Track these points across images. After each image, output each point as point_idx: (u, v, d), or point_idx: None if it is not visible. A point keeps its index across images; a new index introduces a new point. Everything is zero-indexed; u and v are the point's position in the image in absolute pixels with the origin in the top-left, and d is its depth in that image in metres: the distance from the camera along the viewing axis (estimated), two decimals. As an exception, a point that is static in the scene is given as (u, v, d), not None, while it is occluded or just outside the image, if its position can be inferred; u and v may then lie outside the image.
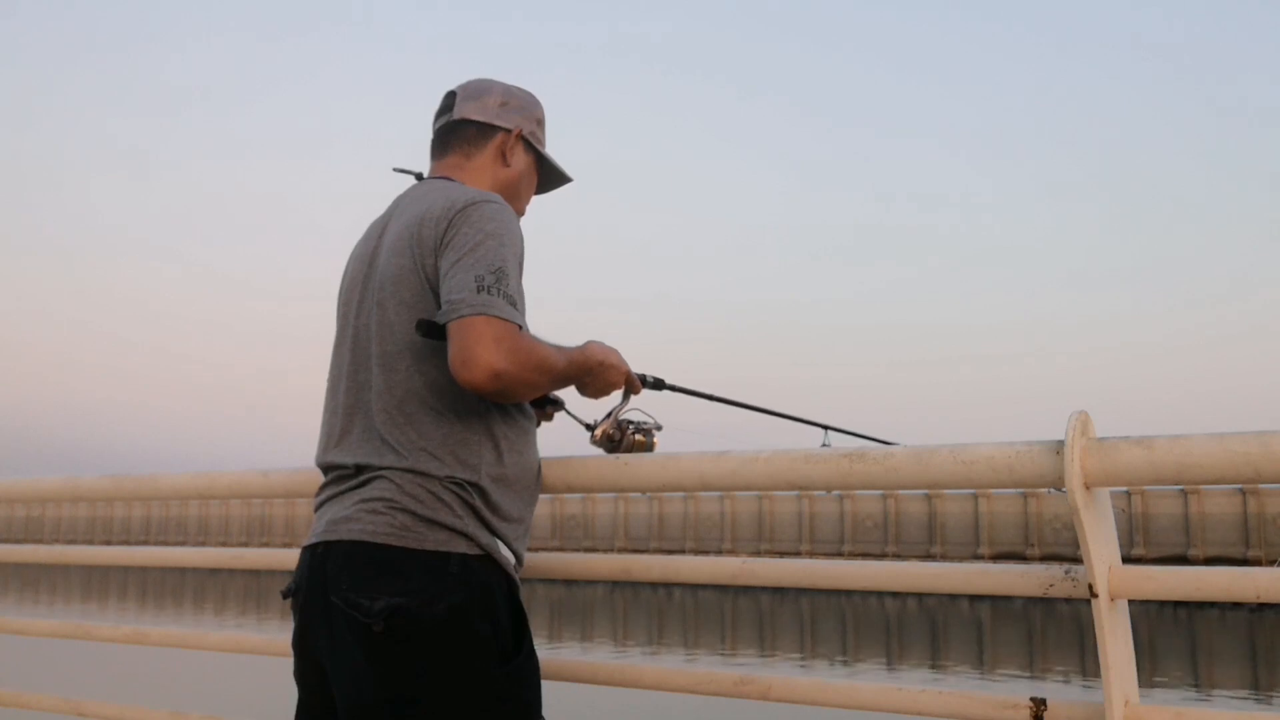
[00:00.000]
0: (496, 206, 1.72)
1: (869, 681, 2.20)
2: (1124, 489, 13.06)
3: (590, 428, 1.94)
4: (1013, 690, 8.91)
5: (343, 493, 1.71)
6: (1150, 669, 15.39)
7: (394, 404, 1.69)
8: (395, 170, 1.92)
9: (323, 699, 1.71)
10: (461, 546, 1.63)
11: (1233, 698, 13.74)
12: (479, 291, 1.60)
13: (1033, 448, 1.49)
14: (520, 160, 1.92)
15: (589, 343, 1.84)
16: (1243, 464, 1.36)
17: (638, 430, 1.94)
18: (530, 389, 1.67)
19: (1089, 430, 1.46)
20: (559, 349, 1.73)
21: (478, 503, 1.65)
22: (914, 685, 1.70)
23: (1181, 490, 29.08)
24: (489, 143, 1.90)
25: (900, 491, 28.59)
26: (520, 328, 1.63)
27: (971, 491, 30.09)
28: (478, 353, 1.57)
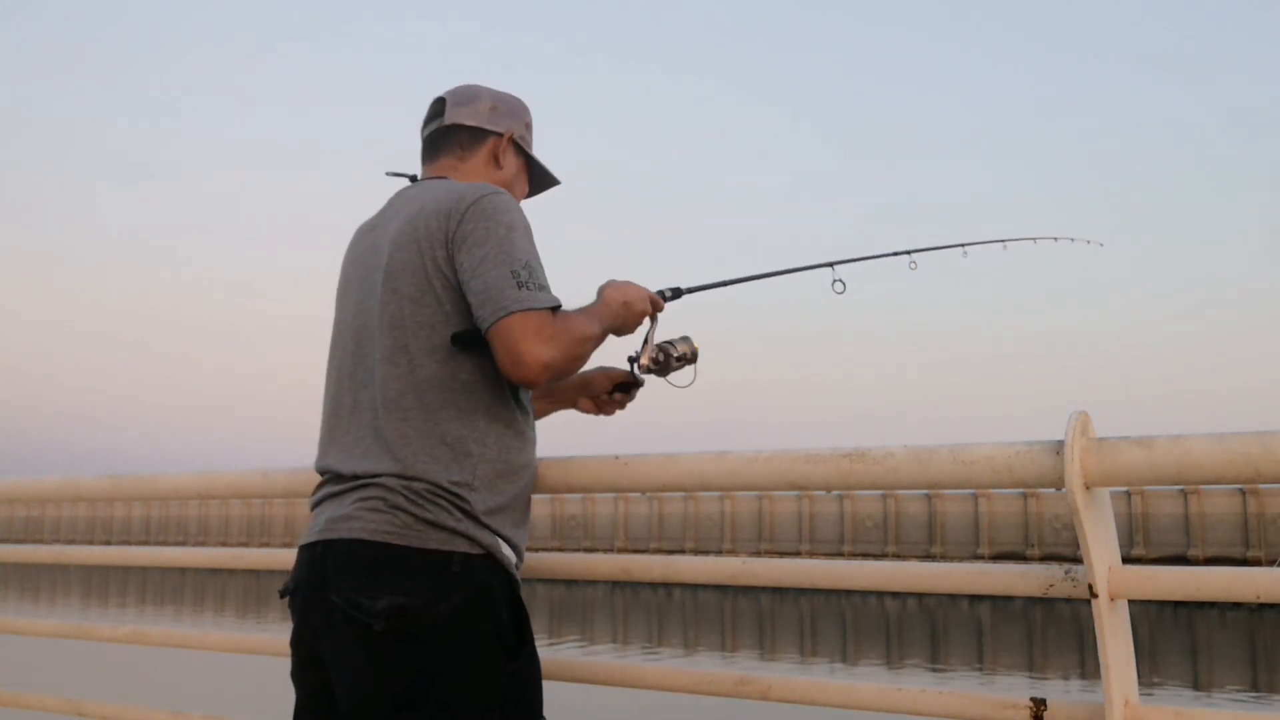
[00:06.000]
0: (505, 198, 1.74)
1: (869, 681, 2.20)
2: (1124, 489, 13.06)
3: (633, 360, 1.99)
4: (1013, 690, 8.91)
5: (341, 492, 1.70)
6: (1150, 669, 15.39)
7: (392, 399, 1.69)
8: (389, 174, 1.94)
9: (322, 699, 1.70)
10: (463, 546, 1.63)
11: (1233, 698, 13.74)
12: (519, 288, 1.65)
13: (1032, 448, 1.49)
14: (511, 163, 1.95)
15: (604, 288, 1.88)
16: (1243, 464, 1.36)
17: (677, 344, 1.98)
18: (578, 363, 1.73)
19: (1089, 430, 1.46)
20: (587, 314, 1.79)
21: (476, 502, 1.65)
22: (914, 685, 1.70)
23: (1181, 490, 29.06)
24: (481, 147, 1.92)
25: (900, 491, 28.60)
26: (557, 309, 1.69)
27: (971, 491, 30.08)
28: (524, 350, 1.63)
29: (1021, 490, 28.40)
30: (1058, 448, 1.46)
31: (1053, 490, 1.56)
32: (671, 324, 1.99)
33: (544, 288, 1.68)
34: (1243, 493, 28.54)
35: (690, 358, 1.98)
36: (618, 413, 2.06)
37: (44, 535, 45.46)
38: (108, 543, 43.34)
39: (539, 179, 2.03)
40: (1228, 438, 1.38)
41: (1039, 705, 1.54)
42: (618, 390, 2.05)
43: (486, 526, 1.66)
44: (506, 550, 1.68)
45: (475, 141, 1.92)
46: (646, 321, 1.96)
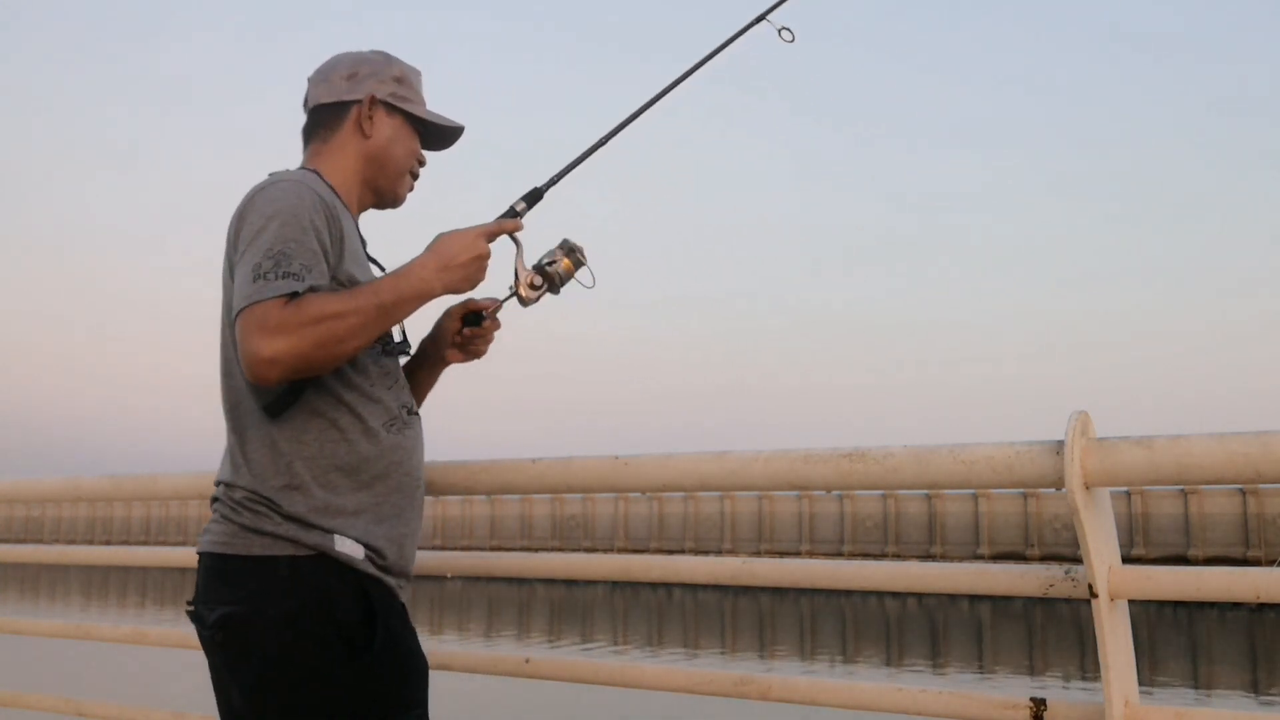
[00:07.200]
0: (281, 186, 1.64)
1: (869, 681, 2.20)
2: (1124, 489, 13.06)
3: (514, 293, 1.79)
4: (1013, 690, 8.91)
5: (214, 504, 1.74)
6: (1150, 669, 15.38)
7: (230, 410, 1.70)
8: (270, 175, 1.77)
9: None
10: (288, 549, 1.60)
11: (1233, 698, 13.74)
12: (253, 281, 1.53)
13: (1033, 448, 1.49)
14: (384, 127, 1.80)
15: (427, 248, 1.68)
16: (1243, 464, 1.36)
17: (557, 259, 1.78)
18: (332, 347, 1.55)
19: (1089, 430, 1.46)
20: (357, 290, 1.61)
21: (298, 503, 1.61)
22: (914, 685, 1.70)
23: (1181, 490, 29.05)
24: (345, 121, 1.80)
25: (900, 491, 28.59)
26: (296, 295, 1.53)
27: (971, 491, 30.08)
28: (246, 350, 1.52)
29: (1021, 490, 28.40)
30: (1058, 448, 1.46)
31: (1053, 490, 1.55)
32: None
33: (289, 274, 1.53)
34: (1243, 493, 28.52)
35: (579, 264, 1.78)
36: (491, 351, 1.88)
37: (44, 535, 45.45)
38: (108, 543, 43.32)
39: (434, 131, 1.87)
40: (1228, 438, 1.38)
41: (1039, 705, 1.54)
42: (467, 325, 1.84)
43: (315, 526, 1.61)
44: (345, 547, 1.61)
45: (338, 118, 1.80)
46: (510, 250, 1.77)
